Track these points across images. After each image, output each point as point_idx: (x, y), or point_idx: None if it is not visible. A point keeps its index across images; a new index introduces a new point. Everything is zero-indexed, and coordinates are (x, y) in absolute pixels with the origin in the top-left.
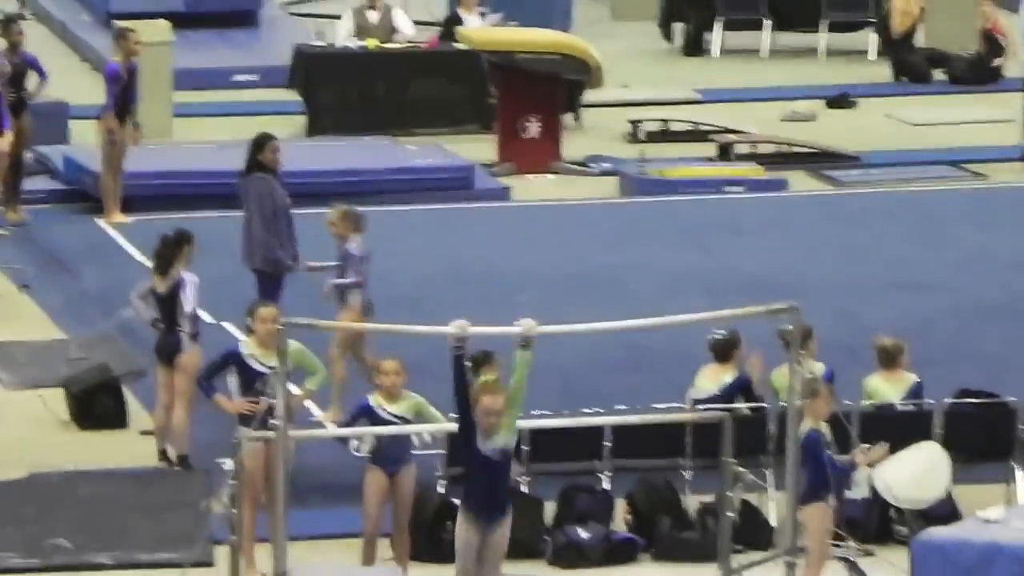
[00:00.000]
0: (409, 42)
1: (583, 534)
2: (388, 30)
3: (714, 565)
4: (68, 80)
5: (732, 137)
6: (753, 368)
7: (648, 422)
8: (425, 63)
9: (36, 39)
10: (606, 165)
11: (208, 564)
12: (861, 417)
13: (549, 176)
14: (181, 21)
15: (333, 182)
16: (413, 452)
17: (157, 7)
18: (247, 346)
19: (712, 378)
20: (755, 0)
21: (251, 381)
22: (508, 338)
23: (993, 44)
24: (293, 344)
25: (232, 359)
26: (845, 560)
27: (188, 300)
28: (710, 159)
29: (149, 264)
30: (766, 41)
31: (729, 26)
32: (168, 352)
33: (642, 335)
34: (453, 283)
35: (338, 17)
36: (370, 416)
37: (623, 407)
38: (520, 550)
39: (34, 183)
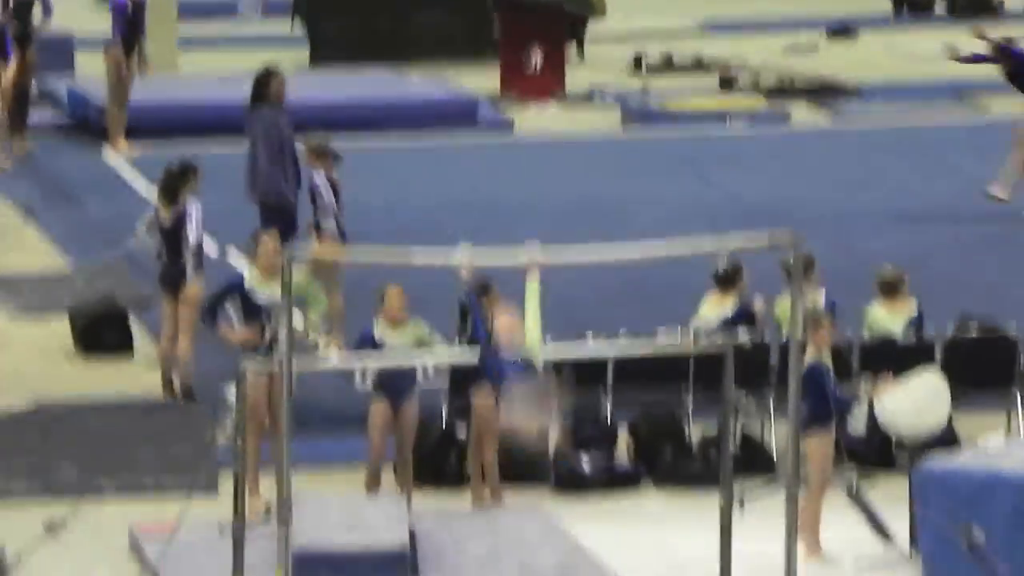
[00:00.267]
0: None
1: (586, 462)
2: None
3: (715, 494)
4: (73, 11)
5: (734, 69)
6: (757, 306)
7: (651, 354)
8: None
9: None
10: (609, 98)
11: (213, 490)
12: (862, 348)
13: (552, 107)
14: None
15: (336, 114)
16: (417, 382)
17: None
18: (249, 276)
19: (715, 307)
20: None
21: (254, 311)
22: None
23: None
24: (297, 274)
25: (235, 289)
26: (847, 488)
27: (193, 231)
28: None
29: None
30: None
31: None
32: (172, 283)
33: (643, 265)
34: (456, 214)
35: None
36: (373, 345)
37: (625, 332)
38: (523, 475)
39: (39, 115)
